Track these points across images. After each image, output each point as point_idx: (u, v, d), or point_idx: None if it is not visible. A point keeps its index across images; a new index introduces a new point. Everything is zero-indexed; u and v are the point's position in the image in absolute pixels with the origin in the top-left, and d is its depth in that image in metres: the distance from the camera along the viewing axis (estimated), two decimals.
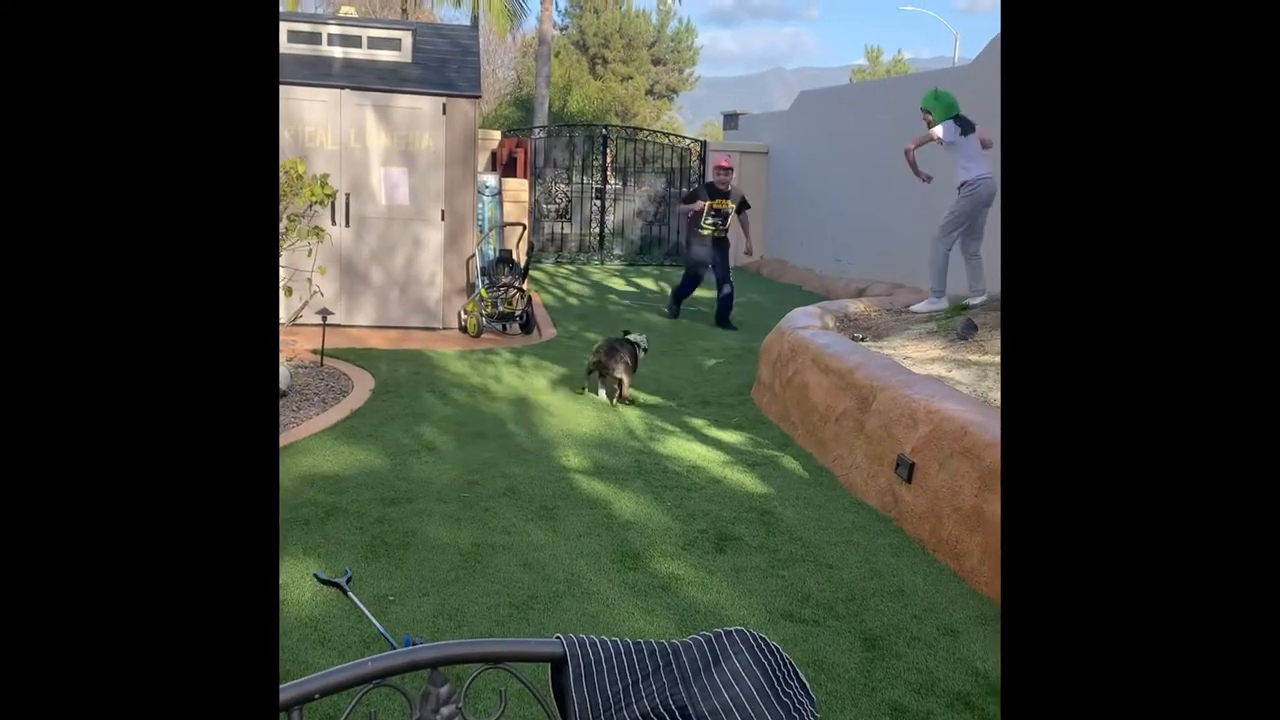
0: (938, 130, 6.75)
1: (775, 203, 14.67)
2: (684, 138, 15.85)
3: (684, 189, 15.17)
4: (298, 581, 3.52)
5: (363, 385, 6.47)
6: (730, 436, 5.68)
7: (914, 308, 6.96)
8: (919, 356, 5.42)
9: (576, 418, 5.96)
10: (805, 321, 6.29)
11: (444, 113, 8.51)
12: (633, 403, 6.29)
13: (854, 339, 6.09)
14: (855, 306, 7.16)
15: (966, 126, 6.77)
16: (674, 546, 3.99)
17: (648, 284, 12.69)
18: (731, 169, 9.74)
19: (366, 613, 1.96)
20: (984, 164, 6.72)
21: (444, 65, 8.88)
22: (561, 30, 35.01)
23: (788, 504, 4.53)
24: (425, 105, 8.50)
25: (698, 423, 5.97)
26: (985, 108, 9.22)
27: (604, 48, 35.03)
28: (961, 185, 6.74)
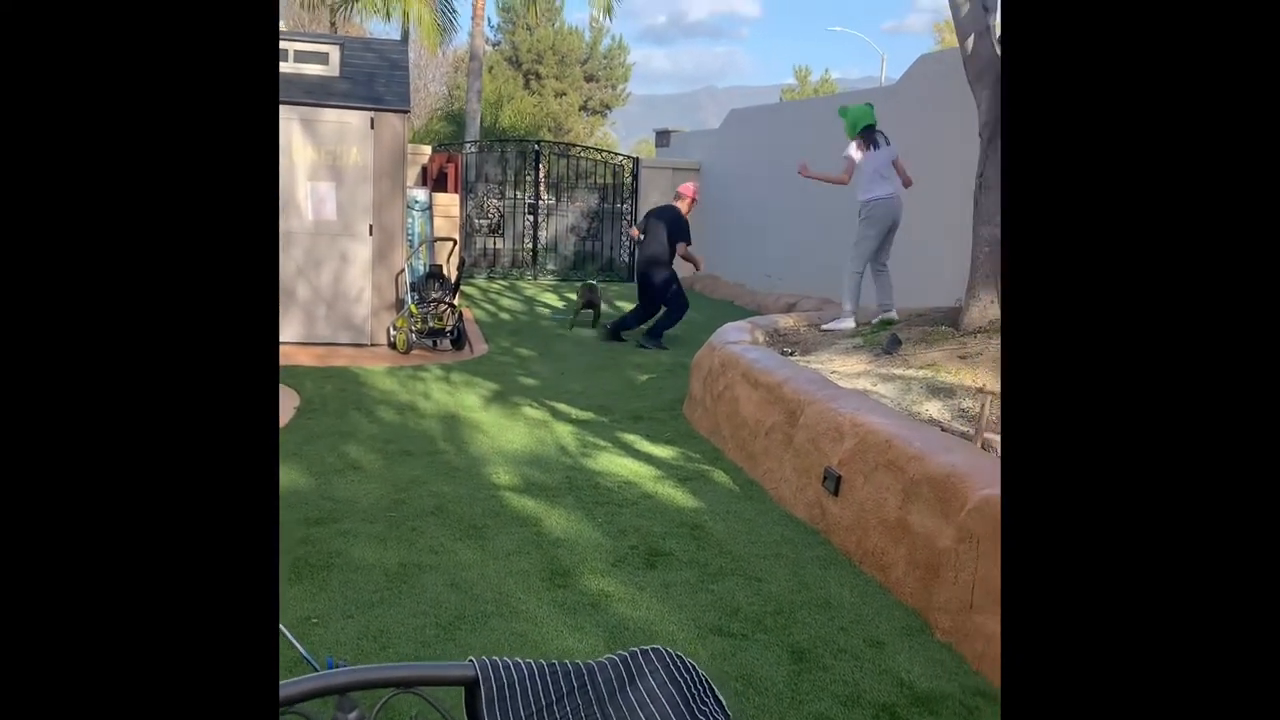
0: (851, 151, 6.91)
1: (707, 219, 14.79)
2: (616, 154, 15.91)
3: (617, 204, 15.21)
4: None
5: (287, 403, 6.34)
6: (662, 451, 5.69)
7: (824, 326, 7.02)
8: (846, 371, 5.50)
9: (507, 434, 5.91)
10: (735, 336, 6.34)
11: (372, 127, 8.42)
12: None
13: (783, 354, 6.16)
14: (785, 321, 7.25)
15: (872, 142, 6.84)
16: (604, 563, 3.97)
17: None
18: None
19: (289, 635, 1.91)
20: (886, 184, 6.80)
21: (372, 79, 8.78)
22: (494, 46, 34.94)
23: (718, 518, 4.55)
24: (353, 119, 8.40)
25: (630, 438, 5.97)
26: (910, 125, 9.45)
27: (537, 63, 35.06)
28: (861, 206, 6.88)
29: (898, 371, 5.27)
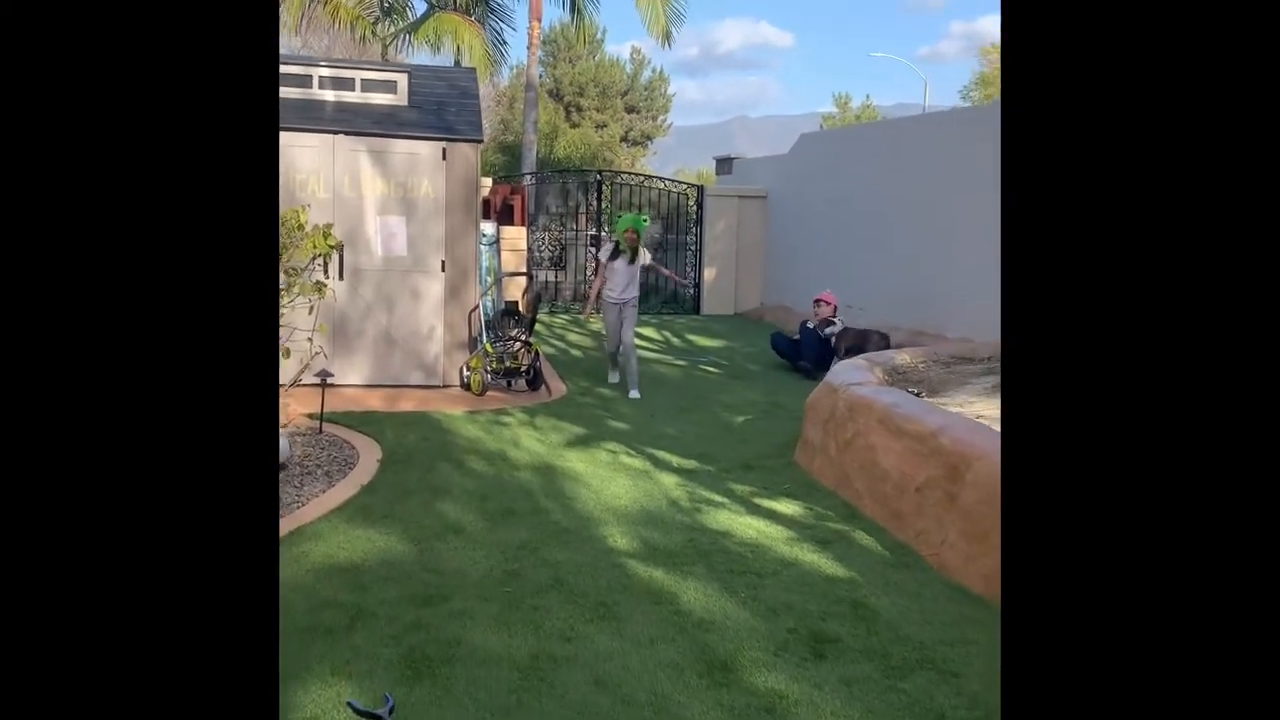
0: (602, 254, 8.65)
1: (774, 248, 14.27)
2: (681, 183, 15.45)
3: (681, 235, 14.72)
4: (329, 712, 2.90)
5: (369, 454, 5.85)
6: (785, 507, 5.11)
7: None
8: (994, 415, 4.91)
9: (611, 488, 5.36)
10: (858, 377, 5.75)
11: (444, 158, 7.98)
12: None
13: (910, 394, 5.57)
14: (902, 358, 6.66)
15: (615, 252, 8.34)
16: (764, 653, 3.40)
17: (648, 331, 12.15)
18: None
19: None
20: (621, 281, 8.40)
21: (442, 108, 8.38)
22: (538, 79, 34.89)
23: (878, 592, 3.96)
24: (424, 150, 7.97)
25: (744, 490, 5.40)
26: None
27: (579, 96, 34.91)
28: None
29: None
